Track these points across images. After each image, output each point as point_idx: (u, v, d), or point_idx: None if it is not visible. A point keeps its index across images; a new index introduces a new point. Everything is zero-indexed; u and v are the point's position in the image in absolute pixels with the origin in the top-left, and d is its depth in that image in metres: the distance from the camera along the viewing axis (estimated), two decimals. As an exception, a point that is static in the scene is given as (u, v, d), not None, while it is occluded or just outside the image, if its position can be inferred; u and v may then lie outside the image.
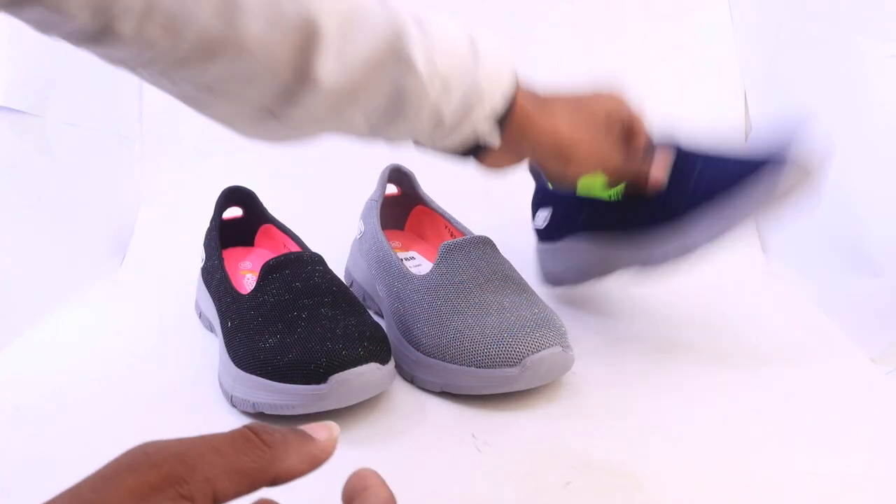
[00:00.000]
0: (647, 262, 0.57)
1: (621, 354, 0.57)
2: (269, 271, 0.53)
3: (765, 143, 0.53)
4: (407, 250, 0.67)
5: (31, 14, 0.34)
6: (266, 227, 0.67)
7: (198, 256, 0.64)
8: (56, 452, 0.46)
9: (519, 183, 0.66)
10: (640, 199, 0.56)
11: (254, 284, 0.53)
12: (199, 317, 0.63)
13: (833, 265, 0.67)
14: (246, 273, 0.63)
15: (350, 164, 0.73)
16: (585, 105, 0.51)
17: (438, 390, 0.52)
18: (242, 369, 0.49)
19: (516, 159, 0.51)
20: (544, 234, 0.65)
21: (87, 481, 0.23)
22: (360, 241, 0.65)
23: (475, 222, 0.65)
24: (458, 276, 0.53)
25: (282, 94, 0.40)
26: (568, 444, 0.46)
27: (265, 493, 0.25)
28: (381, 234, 0.62)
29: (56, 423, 0.49)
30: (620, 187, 0.58)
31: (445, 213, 0.66)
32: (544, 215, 0.65)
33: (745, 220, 0.53)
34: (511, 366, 0.49)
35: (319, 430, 0.27)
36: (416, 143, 0.48)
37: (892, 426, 0.49)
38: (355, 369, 0.46)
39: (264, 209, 0.66)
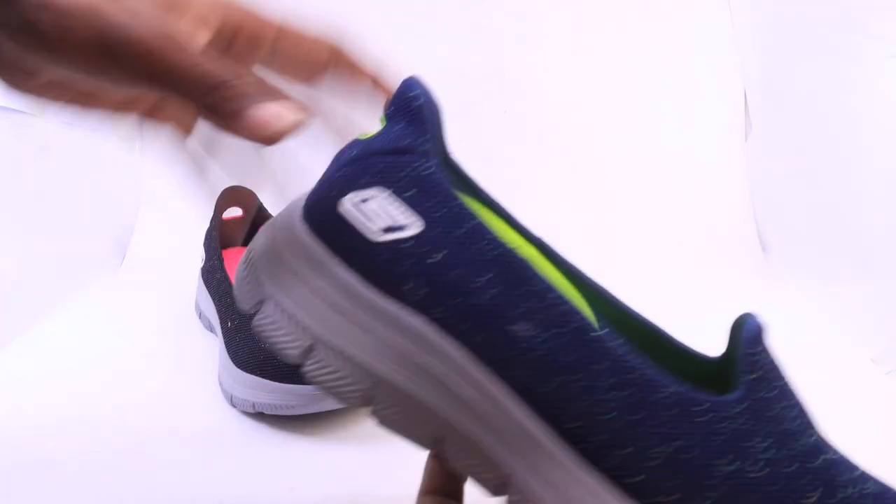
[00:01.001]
0: None
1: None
2: (269, 271, 0.52)
3: None
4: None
5: None
6: (266, 227, 0.67)
7: (198, 256, 0.64)
8: (56, 452, 0.46)
9: (521, 183, 0.66)
10: None
11: (254, 284, 0.53)
12: (199, 317, 0.63)
13: (833, 265, 0.67)
14: (246, 273, 0.63)
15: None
16: None
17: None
18: (242, 369, 0.49)
19: (39, 63, 0.27)
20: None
21: None
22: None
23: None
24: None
25: None
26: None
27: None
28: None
29: (56, 422, 0.49)
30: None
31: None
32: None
33: None
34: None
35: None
36: None
37: (892, 426, 0.49)
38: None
39: (264, 209, 0.66)
